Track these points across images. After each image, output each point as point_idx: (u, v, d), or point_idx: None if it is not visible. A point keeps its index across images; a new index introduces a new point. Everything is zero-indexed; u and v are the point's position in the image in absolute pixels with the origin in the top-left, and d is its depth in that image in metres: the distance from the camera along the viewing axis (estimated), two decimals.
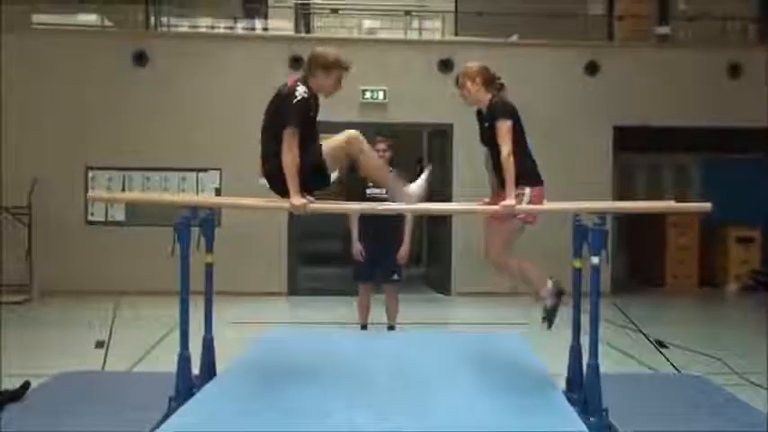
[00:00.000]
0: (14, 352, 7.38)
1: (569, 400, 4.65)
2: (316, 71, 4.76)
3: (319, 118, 4.89)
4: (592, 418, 4.52)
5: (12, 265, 10.75)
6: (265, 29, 12.24)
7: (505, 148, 4.71)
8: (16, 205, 10.82)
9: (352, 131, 4.72)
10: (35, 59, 11.25)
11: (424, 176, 4.84)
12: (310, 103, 4.69)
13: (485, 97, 4.94)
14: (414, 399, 4.51)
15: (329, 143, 4.69)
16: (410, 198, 4.75)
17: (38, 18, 11.71)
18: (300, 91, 4.62)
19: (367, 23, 12.34)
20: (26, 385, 5.47)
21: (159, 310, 8.81)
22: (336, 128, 4.98)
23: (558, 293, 4.97)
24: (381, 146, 7.25)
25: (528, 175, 4.83)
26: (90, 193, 10.43)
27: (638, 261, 13.27)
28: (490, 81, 4.98)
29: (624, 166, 13.08)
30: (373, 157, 4.90)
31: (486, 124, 4.91)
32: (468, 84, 4.96)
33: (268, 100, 4.86)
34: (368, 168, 4.86)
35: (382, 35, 12.24)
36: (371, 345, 6.26)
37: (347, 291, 9.42)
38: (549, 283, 4.97)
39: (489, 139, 4.90)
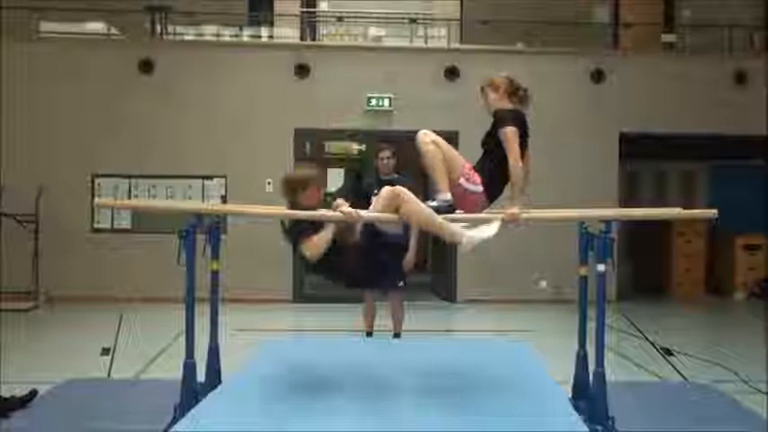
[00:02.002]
0: (21, 359, 7.39)
1: (576, 407, 4.63)
2: None
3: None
4: (598, 427, 4.50)
5: (18, 272, 10.77)
6: (271, 36, 12.25)
7: (511, 155, 4.63)
8: (23, 212, 10.83)
9: (390, 190, 4.57)
10: (42, 67, 11.29)
11: (493, 230, 4.45)
12: None
13: (506, 107, 4.87)
14: (419, 406, 4.49)
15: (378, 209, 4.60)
16: (470, 243, 4.42)
17: (45, 26, 11.75)
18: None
19: (372, 31, 12.35)
20: (33, 393, 5.48)
21: (165, 318, 8.80)
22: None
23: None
24: (386, 153, 7.29)
25: (491, 185, 4.72)
26: (97, 200, 10.44)
27: (644, 269, 13.23)
28: (513, 92, 4.92)
29: (630, 174, 13.07)
30: (410, 207, 4.55)
31: (491, 130, 4.87)
32: (491, 94, 4.91)
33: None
34: (414, 218, 4.57)
35: (388, 43, 12.25)
36: (377, 353, 6.25)
37: (352, 298, 9.41)
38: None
39: (485, 144, 4.84)
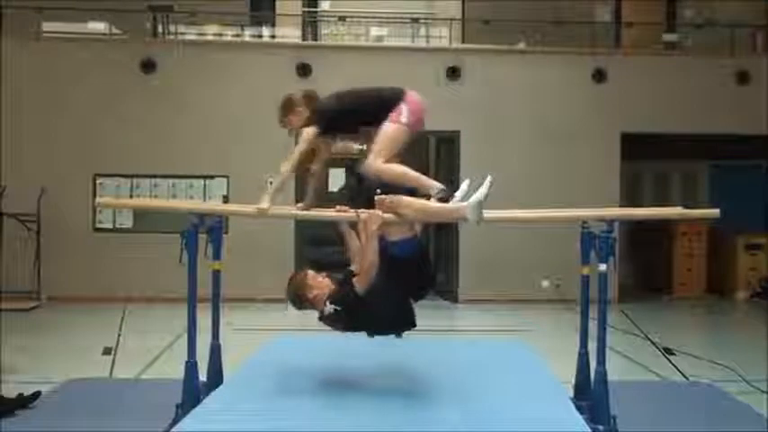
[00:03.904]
0: (23, 359, 7.40)
1: (577, 407, 4.62)
2: None
3: None
4: (600, 426, 4.50)
5: (20, 272, 10.78)
6: (273, 36, 12.26)
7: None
8: (25, 212, 10.85)
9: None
10: (44, 67, 11.30)
11: (486, 187, 4.30)
12: None
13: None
14: (420, 406, 4.49)
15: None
16: (472, 210, 4.28)
17: (48, 26, 11.76)
18: None
19: (374, 31, 12.35)
20: (36, 394, 5.48)
21: (166, 317, 8.81)
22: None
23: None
24: None
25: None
26: (98, 199, 10.40)
27: (645, 268, 13.23)
28: (309, 102, 4.82)
29: (632, 174, 13.06)
30: (412, 209, 4.49)
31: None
32: (294, 116, 4.79)
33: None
34: (413, 214, 4.51)
35: (390, 43, 12.25)
36: (378, 352, 6.24)
37: None
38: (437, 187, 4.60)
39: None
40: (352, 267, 4.70)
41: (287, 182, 4.70)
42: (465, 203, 4.34)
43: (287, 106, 4.81)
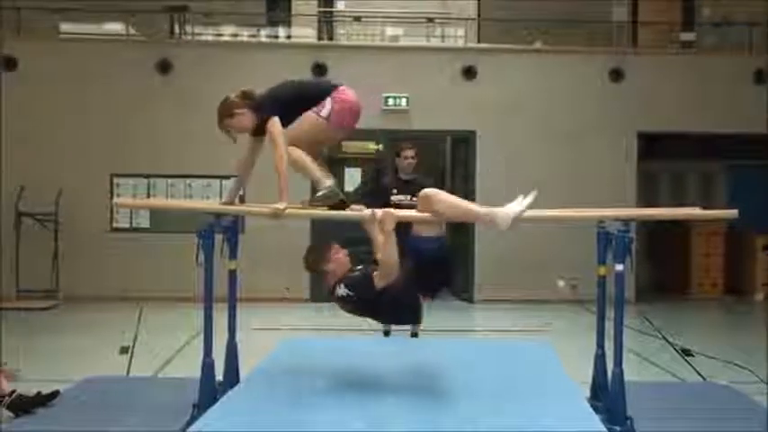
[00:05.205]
0: (41, 357, 7.45)
1: (594, 408, 4.61)
2: None
3: None
4: (617, 427, 4.48)
5: (38, 272, 10.86)
6: (288, 37, 12.29)
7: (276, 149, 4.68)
8: (43, 212, 10.93)
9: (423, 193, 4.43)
10: (61, 68, 11.37)
11: (529, 199, 4.22)
12: None
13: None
14: (436, 406, 4.49)
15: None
16: (504, 219, 4.18)
17: (65, 27, 11.83)
18: None
19: (389, 31, 12.35)
20: (55, 393, 5.51)
21: (183, 316, 8.85)
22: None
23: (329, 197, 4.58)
24: (410, 153, 7.21)
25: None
26: (115, 200, 10.51)
27: (662, 269, 13.15)
28: (248, 97, 4.78)
29: (648, 173, 12.98)
30: (445, 204, 4.41)
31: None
32: (237, 119, 4.78)
33: None
34: (446, 210, 4.42)
35: (405, 42, 12.24)
36: (395, 353, 6.24)
37: None
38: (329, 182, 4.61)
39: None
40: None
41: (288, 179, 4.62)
42: (500, 210, 4.23)
43: (226, 109, 4.77)
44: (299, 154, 4.57)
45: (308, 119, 4.62)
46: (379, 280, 4.43)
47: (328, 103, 4.61)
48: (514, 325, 10.12)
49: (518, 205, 4.18)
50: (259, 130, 4.72)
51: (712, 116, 11.71)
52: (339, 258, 4.64)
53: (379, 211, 4.48)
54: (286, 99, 4.69)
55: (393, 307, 4.58)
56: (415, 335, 7.52)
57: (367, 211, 4.57)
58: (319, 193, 4.55)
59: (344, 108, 4.64)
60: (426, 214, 4.41)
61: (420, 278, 4.55)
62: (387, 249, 4.37)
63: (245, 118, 4.72)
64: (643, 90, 11.70)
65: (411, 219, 4.61)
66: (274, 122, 4.59)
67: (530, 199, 4.20)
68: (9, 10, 11.42)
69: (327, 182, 4.56)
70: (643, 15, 12.63)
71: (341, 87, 4.71)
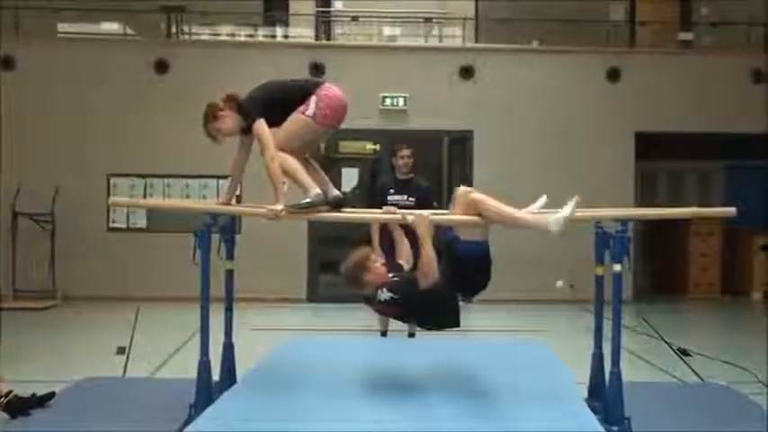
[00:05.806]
0: (37, 358, 7.43)
1: (591, 408, 4.60)
2: None
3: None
4: (614, 427, 4.48)
5: (35, 272, 10.84)
6: (286, 36, 12.28)
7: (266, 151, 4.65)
8: (39, 212, 10.91)
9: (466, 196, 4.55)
10: (58, 68, 11.35)
11: (572, 206, 4.43)
12: None
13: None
14: (433, 406, 4.48)
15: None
16: (555, 223, 4.39)
17: (62, 27, 11.82)
18: None
19: (387, 31, 12.35)
20: (51, 395, 5.49)
21: (180, 317, 8.83)
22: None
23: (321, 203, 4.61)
24: (406, 152, 7.23)
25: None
26: (111, 199, 10.46)
27: (660, 268, 13.15)
28: (233, 101, 4.79)
29: (646, 173, 12.98)
30: (493, 210, 4.51)
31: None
32: (222, 122, 4.79)
33: None
34: (496, 217, 4.52)
35: (402, 42, 12.24)
36: (392, 352, 6.25)
37: None
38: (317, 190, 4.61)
39: None
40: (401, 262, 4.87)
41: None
42: (551, 216, 4.41)
43: (211, 113, 4.77)
44: (290, 161, 4.57)
45: (295, 119, 4.63)
46: (424, 279, 4.50)
47: (313, 101, 4.61)
48: (513, 325, 10.11)
49: (564, 212, 4.38)
50: (246, 130, 4.69)
51: (710, 116, 11.71)
52: (378, 268, 4.67)
53: (411, 215, 4.55)
54: (270, 100, 4.70)
55: (437, 307, 4.63)
56: (411, 335, 7.52)
57: (400, 215, 4.63)
58: (303, 201, 4.54)
59: (330, 105, 4.64)
60: (466, 218, 4.47)
61: (467, 281, 4.63)
62: (426, 250, 4.46)
63: (229, 119, 4.73)
64: (641, 90, 11.70)
65: (451, 223, 4.61)
66: (260, 124, 4.59)
67: (573, 204, 4.41)
68: (7, 10, 11.40)
69: (313, 190, 4.56)
70: (641, 15, 12.64)
71: (324, 84, 4.73)
